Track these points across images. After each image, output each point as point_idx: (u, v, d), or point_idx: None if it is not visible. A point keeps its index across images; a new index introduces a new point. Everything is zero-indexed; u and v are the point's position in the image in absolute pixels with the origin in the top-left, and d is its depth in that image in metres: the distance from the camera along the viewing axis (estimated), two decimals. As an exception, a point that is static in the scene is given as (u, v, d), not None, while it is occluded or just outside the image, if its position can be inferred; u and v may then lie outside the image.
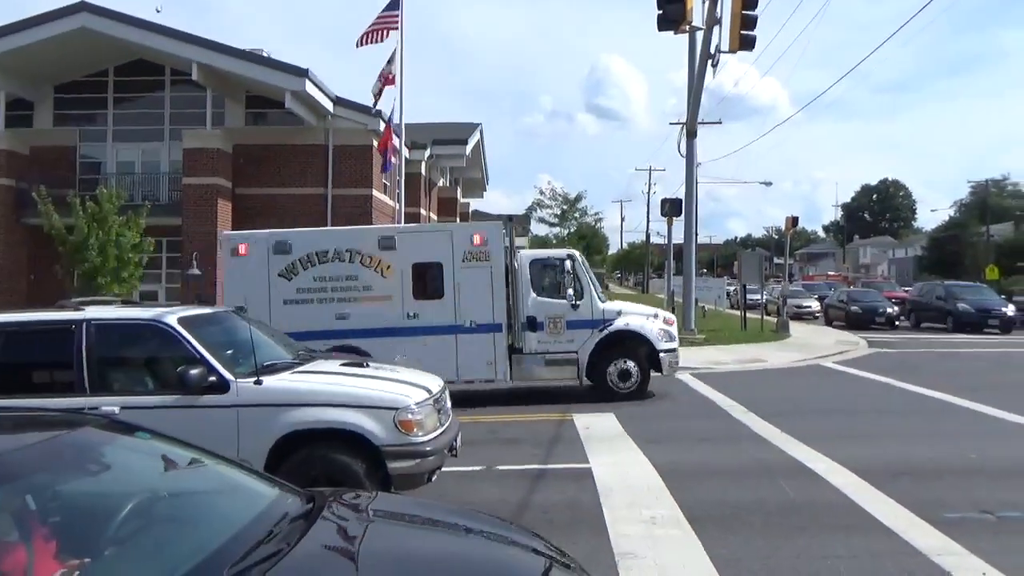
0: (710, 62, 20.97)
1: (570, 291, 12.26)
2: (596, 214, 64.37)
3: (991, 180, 73.50)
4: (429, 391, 6.16)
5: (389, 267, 12.00)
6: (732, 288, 40.70)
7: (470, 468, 7.66)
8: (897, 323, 28.51)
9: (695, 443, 9.18)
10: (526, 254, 13.03)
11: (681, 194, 23.47)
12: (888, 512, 6.10)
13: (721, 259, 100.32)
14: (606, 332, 12.35)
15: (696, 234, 34.79)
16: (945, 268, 59.10)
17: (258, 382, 5.68)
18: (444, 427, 6.16)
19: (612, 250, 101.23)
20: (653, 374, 12.55)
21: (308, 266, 12.00)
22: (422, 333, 11.86)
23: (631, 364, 12.36)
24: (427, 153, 30.12)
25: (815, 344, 21.37)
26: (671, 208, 20.29)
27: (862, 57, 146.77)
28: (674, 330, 13.01)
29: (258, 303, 11.31)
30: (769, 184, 63.01)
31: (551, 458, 8.36)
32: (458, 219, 36.57)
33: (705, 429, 10.02)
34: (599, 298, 12.72)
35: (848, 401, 12.22)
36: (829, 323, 29.64)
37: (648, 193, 69.55)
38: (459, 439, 6.51)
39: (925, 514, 5.98)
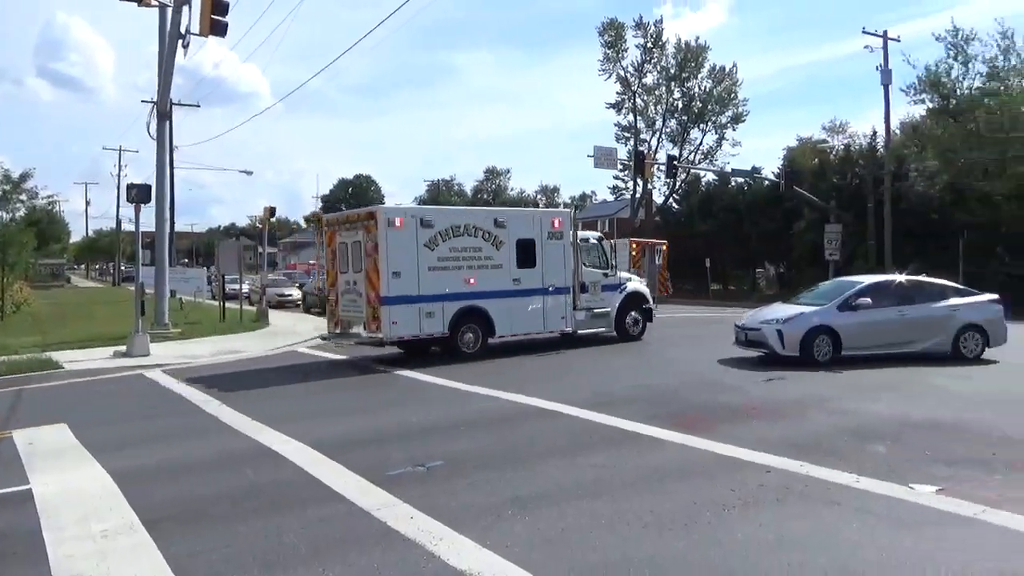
0: (181, 42, 20.00)
1: (612, 262, 17.36)
2: (51, 196, 55.62)
3: (442, 180, 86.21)
4: None
5: (502, 242, 15.38)
6: (214, 278, 39.72)
7: None
8: None
9: (160, 443, 8.71)
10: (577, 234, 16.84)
11: (155, 179, 21.91)
12: (339, 480, 6.77)
13: (205, 247, 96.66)
14: (625, 293, 17.37)
15: (172, 222, 33.08)
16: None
17: None
18: None
19: (76, 238, 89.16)
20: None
21: (447, 238, 14.75)
22: (523, 295, 15.57)
23: (637, 316, 17.50)
24: None
25: (294, 331, 22.24)
26: (139, 194, 18.62)
27: (334, 58, 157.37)
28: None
29: (409, 269, 14.23)
30: (250, 173, 62.79)
31: (-22, 485, 7.08)
32: None
33: (173, 427, 9.67)
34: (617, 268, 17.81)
35: (325, 383, 13.03)
36: (308, 310, 30.93)
37: (119, 175, 63.34)
38: None
39: (370, 476, 6.81)
